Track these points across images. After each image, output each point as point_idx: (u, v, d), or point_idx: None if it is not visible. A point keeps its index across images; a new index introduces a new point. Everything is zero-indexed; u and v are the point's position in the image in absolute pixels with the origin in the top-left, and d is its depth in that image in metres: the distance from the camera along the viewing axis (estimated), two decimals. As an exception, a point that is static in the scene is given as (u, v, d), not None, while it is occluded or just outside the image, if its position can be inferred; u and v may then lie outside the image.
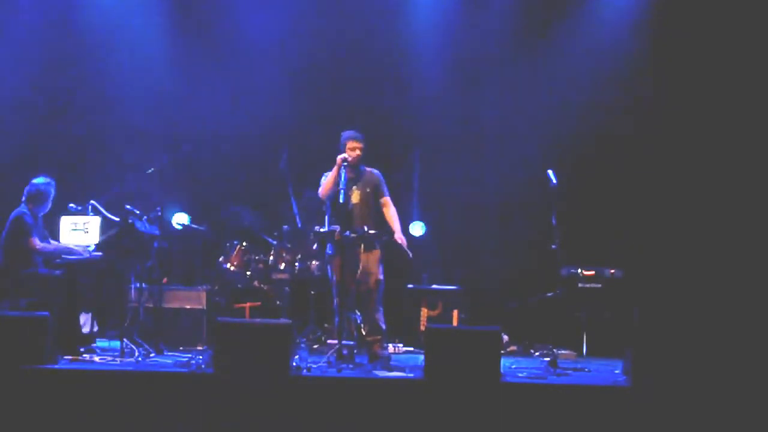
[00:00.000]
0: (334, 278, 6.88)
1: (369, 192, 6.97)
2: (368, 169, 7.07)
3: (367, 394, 5.74)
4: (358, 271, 6.73)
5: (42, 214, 7.25)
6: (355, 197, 6.93)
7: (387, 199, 7.05)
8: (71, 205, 7.33)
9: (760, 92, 8.54)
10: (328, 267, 7.04)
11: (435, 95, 9.22)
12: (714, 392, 5.64)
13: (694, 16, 8.63)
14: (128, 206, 7.13)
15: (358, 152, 6.90)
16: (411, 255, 6.96)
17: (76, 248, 7.15)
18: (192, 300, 7.97)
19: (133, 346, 6.80)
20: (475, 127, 9.26)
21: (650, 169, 8.77)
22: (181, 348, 7.43)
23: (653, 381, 5.71)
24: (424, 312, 8.53)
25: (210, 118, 9.07)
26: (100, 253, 7.12)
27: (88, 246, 7.19)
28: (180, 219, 8.63)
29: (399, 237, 6.92)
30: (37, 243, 7.04)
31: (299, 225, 8.31)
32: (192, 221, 8.65)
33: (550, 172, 7.12)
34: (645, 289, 8.17)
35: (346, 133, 7.01)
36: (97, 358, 6.61)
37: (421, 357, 6.07)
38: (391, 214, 7.02)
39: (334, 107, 8.97)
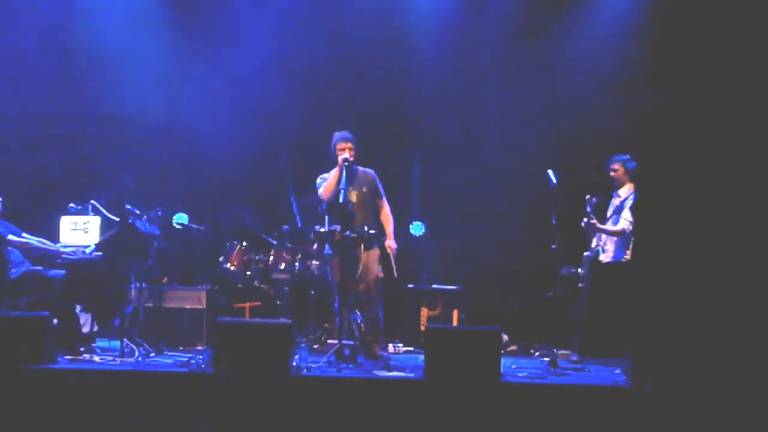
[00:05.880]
0: (334, 278, 6.88)
1: (365, 192, 6.98)
2: (362, 168, 7.07)
3: (367, 394, 5.73)
4: (358, 271, 6.75)
5: None
6: (353, 197, 6.92)
7: (383, 201, 7.11)
8: (71, 205, 7.32)
9: (759, 93, 8.53)
10: (327, 267, 7.05)
11: (435, 95, 9.21)
12: (714, 392, 5.64)
13: (692, 17, 8.62)
14: (128, 206, 7.12)
15: (347, 153, 6.87)
16: (396, 274, 6.94)
17: (47, 245, 7.05)
18: (192, 300, 7.97)
19: (133, 346, 6.79)
20: (475, 127, 9.26)
21: (649, 168, 8.76)
22: (181, 348, 7.43)
23: (653, 381, 5.71)
24: (424, 312, 8.53)
25: (210, 118, 9.06)
26: (100, 253, 7.12)
27: (88, 246, 7.16)
28: (180, 219, 8.62)
29: (390, 244, 6.97)
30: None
31: (299, 225, 8.32)
32: (192, 221, 8.65)
33: (550, 172, 7.13)
34: (646, 288, 8.16)
35: (336, 135, 7.00)
36: (97, 358, 6.61)
37: (421, 357, 6.07)
38: (385, 217, 7.07)
39: (334, 107, 8.96)
